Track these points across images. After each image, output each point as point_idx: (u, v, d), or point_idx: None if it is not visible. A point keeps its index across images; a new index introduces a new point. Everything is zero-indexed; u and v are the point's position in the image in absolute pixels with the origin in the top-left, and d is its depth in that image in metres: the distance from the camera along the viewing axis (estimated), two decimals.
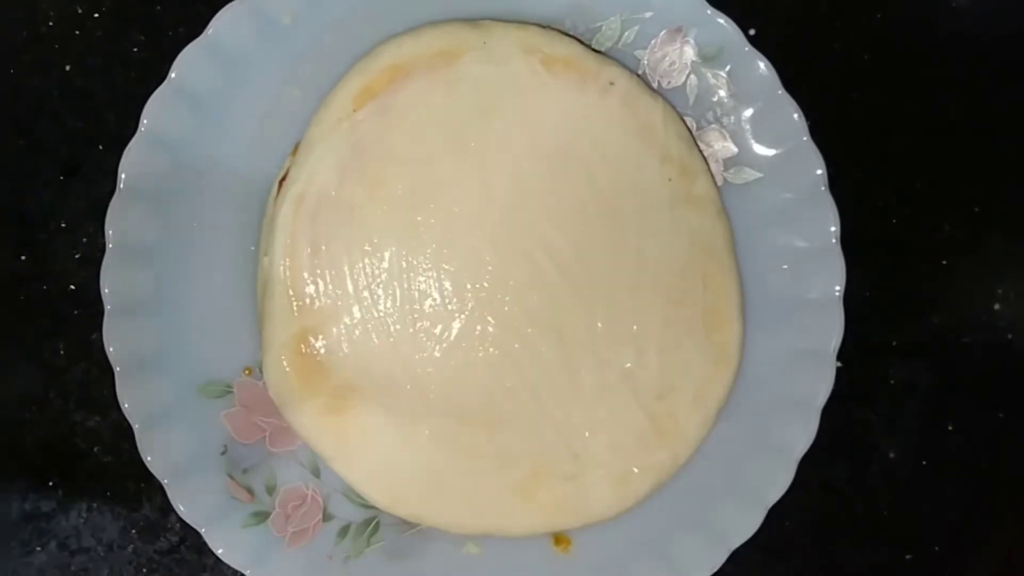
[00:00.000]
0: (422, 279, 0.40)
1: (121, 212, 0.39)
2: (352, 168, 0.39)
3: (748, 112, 0.41)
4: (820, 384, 0.41)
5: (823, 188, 0.40)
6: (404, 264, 0.40)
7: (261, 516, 0.40)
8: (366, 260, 0.40)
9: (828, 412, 0.40)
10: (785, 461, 0.40)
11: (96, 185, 0.43)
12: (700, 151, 0.42)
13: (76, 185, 0.44)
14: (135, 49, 0.44)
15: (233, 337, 0.41)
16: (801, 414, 0.41)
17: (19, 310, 0.44)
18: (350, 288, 0.40)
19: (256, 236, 0.41)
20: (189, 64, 0.39)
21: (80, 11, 0.44)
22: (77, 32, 0.44)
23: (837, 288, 0.40)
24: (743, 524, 0.40)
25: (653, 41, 0.41)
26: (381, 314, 0.40)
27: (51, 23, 0.44)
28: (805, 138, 0.40)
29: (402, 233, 0.40)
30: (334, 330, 0.40)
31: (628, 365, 0.41)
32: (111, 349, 0.39)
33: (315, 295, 0.39)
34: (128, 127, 0.39)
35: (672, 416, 0.41)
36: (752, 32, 0.43)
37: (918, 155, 0.46)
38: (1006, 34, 0.46)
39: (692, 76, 0.42)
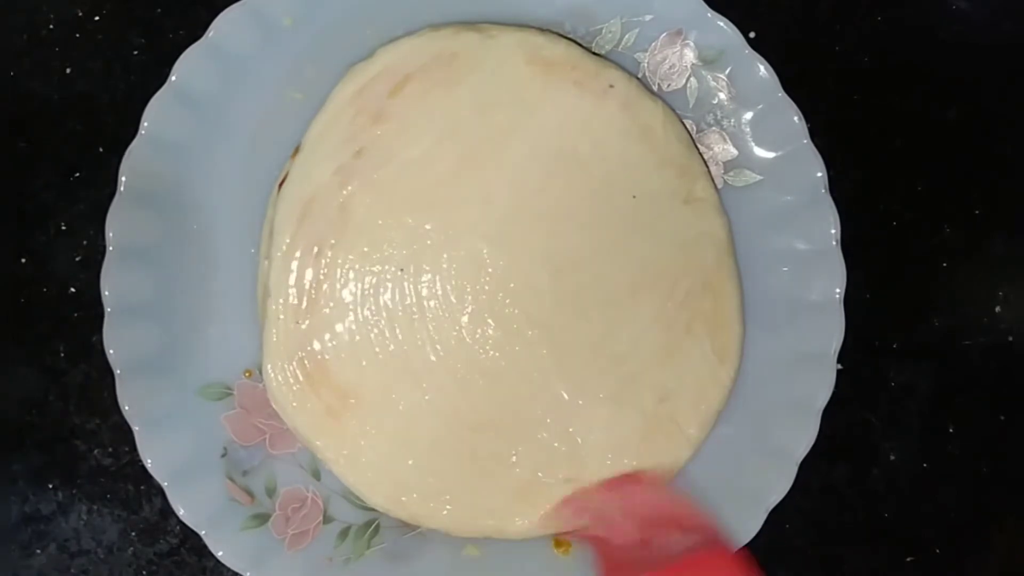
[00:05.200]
0: (422, 282, 0.40)
1: (121, 214, 0.39)
2: (352, 171, 0.40)
3: (748, 115, 0.41)
4: (821, 386, 0.41)
5: (823, 191, 0.40)
6: (404, 267, 0.40)
7: (261, 518, 0.40)
8: (366, 263, 0.40)
9: (828, 414, 0.40)
10: (785, 463, 0.40)
11: (96, 187, 0.43)
12: (700, 154, 0.42)
13: (76, 187, 0.44)
14: (135, 52, 0.44)
15: (233, 339, 0.41)
16: (801, 416, 0.41)
17: (19, 312, 0.44)
18: (350, 291, 0.40)
19: (256, 239, 0.41)
20: (189, 67, 0.39)
21: (80, 14, 0.44)
22: (77, 35, 0.44)
23: (837, 290, 0.40)
24: (743, 526, 0.40)
25: (653, 44, 0.42)
26: (381, 317, 0.40)
27: (51, 26, 0.44)
28: (805, 141, 0.40)
29: (402, 236, 0.40)
30: (334, 332, 0.40)
31: (628, 367, 0.41)
32: (111, 352, 0.39)
33: (315, 298, 0.39)
34: (128, 130, 0.39)
35: (672, 418, 0.41)
36: (752, 35, 0.43)
37: (918, 157, 0.46)
38: (1006, 36, 0.46)
39: (692, 79, 0.42)
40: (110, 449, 0.44)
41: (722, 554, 0.36)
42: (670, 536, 0.37)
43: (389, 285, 0.40)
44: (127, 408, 0.39)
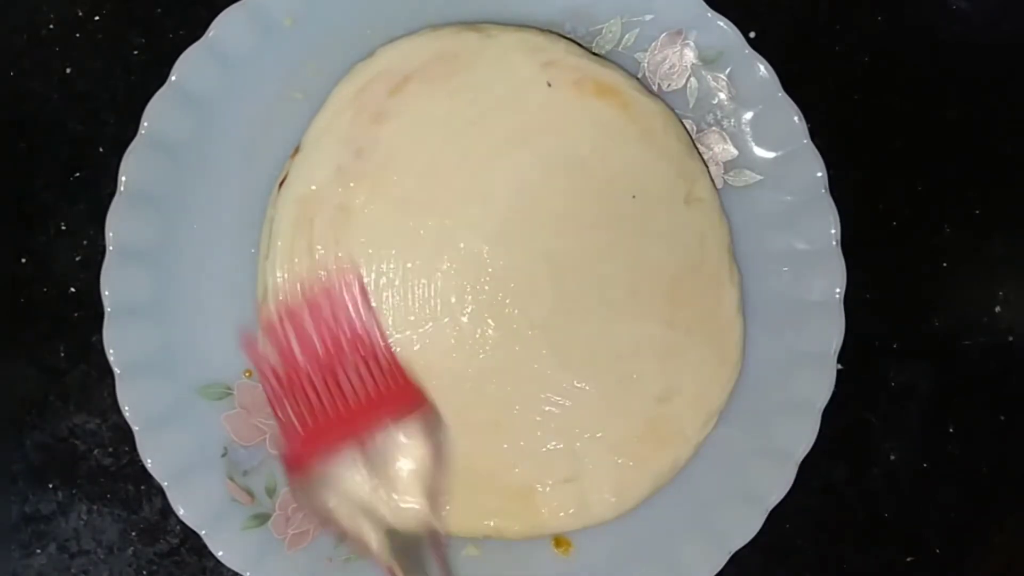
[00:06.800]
0: (422, 282, 0.40)
1: (121, 214, 0.39)
2: (352, 171, 0.40)
3: (748, 115, 0.41)
4: (821, 386, 0.41)
5: (823, 190, 0.40)
6: (404, 268, 0.40)
7: (261, 518, 0.40)
8: (365, 264, 0.40)
9: (829, 414, 0.40)
10: (786, 463, 0.40)
11: (96, 187, 0.43)
12: (700, 154, 0.42)
13: (76, 187, 0.44)
14: (135, 51, 0.44)
15: (233, 339, 0.41)
16: (802, 416, 0.41)
17: (19, 312, 0.44)
18: None
19: (256, 239, 0.41)
20: (189, 66, 0.39)
21: (80, 13, 0.44)
22: (77, 35, 0.44)
23: (837, 290, 0.40)
24: (744, 526, 0.40)
25: (653, 44, 0.41)
26: (380, 318, 0.40)
27: (51, 26, 0.44)
28: (805, 140, 0.40)
29: (402, 237, 0.40)
30: None
31: (628, 368, 0.41)
32: (111, 351, 0.39)
33: None
34: (128, 129, 0.39)
35: (673, 418, 0.41)
36: (752, 35, 0.43)
37: (918, 157, 0.46)
38: (1006, 36, 0.46)
39: (692, 79, 0.42)
40: (110, 449, 0.44)
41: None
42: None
43: (388, 286, 0.40)
44: (127, 408, 0.39)
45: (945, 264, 0.46)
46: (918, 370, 0.45)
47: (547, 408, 0.40)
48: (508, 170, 0.40)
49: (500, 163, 0.40)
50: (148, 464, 0.39)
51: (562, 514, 0.41)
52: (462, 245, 0.40)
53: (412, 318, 0.40)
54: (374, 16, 0.41)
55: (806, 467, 0.40)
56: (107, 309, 0.39)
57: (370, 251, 0.40)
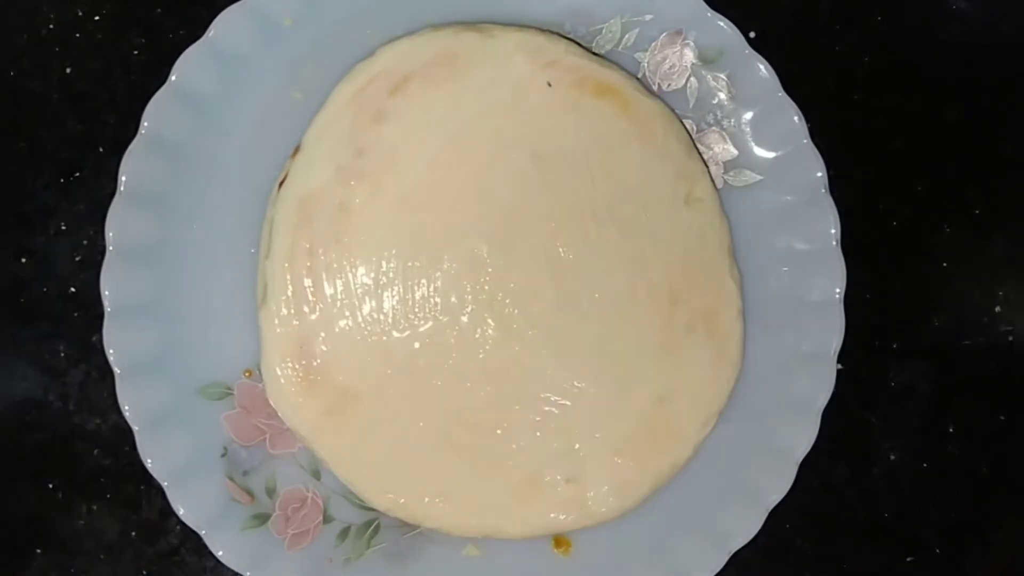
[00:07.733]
0: (422, 282, 0.40)
1: (121, 214, 0.39)
2: (352, 171, 0.40)
3: (748, 115, 0.41)
4: (821, 386, 0.41)
5: (823, 190, 0.40)
6: (404, 267, 0.40)
7: (261, 518, 0.40)
8: (365, 262, 0.40)
9: (829, 414, 0.40)
10: (786, 463, 0.40)
11: (96, 187, 0.43)
12: (700, 154, 0.42)
13: (76, 187, 0.44)
14: (135, 51, 0.44)
15: (233, 339, 0.41)
16: (802, 416, 0.41)
17: (19, 312, 0.44)
18: (350, 291, 0.40)
19: (256, 238, 0.41)
20: (189, 66, 0.39)
21: (80, 14, 0.44)
22: (77, 35, 0.44)
23: (837, 290, 0.40)
24: (744, 526, 0.40)
25: (653, 44, 0.42)
26: (381, 317, 0.40)
27: (51, 26, 0.44)
28: (805, 140, 0.40)
29: (402, 236, 0.40)
30: (333, 332, 0.40)
31: (628, 367, 0.41)
32: (111, 351, 0.39)
33: (314, 298, 0.39)
34: (128, 129, 0.39)
35: (673, 418, 0.41)
36: (752, 35, 0.43)
37: (918, 157, 0.46)
38: (1006, 36, 0.46)
39: (692, 79, 0.42)
40: (110, 449, 0.44)
41: None
42: None
43: (388, 285, 0.40)
44: (127, 408, 0.39)
45: (945, 264, 0.46)
46: (918, 370, 0.46)
47: (547, 408, 0.40)
48: (508, 170, 0.40)
49: (500, 163, 0.40)
50: (148, 464, 0.39)
51: (562, 514, 0.41)
52: (462, 244, 0.40)
53: (412, 318, 0.40)
54: (374, 16, 0.41)
55: (806, 467, 0.40)
56: (107, 309, 0.39)
57: (370, 250, 0.40)
